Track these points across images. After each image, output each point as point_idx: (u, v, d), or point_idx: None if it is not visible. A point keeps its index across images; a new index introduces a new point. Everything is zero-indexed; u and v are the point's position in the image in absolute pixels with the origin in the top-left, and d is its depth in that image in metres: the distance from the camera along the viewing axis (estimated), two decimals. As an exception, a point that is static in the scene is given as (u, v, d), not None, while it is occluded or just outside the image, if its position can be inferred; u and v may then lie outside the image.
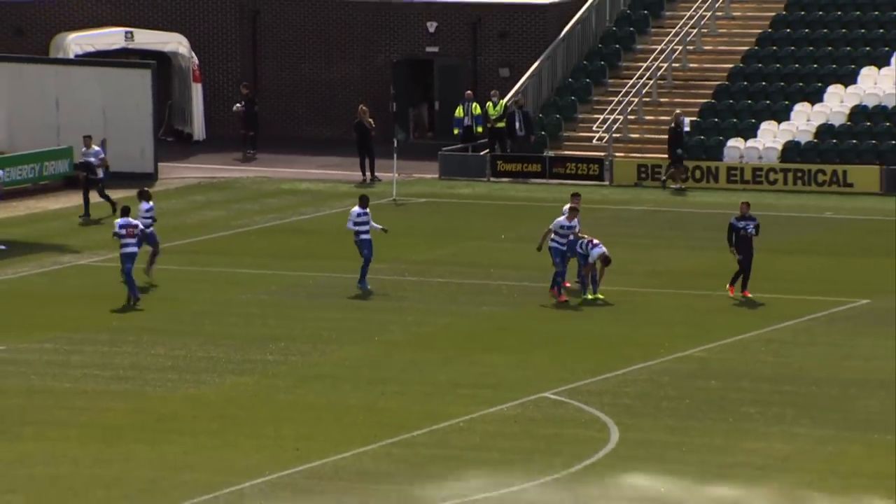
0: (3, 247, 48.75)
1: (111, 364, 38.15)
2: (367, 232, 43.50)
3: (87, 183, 52.84)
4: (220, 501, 30.01)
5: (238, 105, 62.22)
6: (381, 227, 43.96)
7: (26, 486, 31.02)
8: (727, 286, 42.35)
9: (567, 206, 42.93)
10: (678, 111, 56.57)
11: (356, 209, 43.79)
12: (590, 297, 42.32)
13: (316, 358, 38.56)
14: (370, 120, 57.89)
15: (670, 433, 33.22)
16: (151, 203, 44.90)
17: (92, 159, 53.01)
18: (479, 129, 59.31)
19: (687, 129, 57.48)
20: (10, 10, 64.95)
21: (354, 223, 43.64)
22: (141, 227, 43.35)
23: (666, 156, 56.55)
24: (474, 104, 59.73)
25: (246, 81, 63.35)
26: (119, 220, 43.12)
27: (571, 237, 42.18)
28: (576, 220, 42.58)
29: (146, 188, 46.71)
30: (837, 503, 29.68)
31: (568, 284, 42.51)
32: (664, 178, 55.82)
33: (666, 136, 56.74)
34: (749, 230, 42.33)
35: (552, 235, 42.23)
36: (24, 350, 39.30)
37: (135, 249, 42.81)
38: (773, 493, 29.94)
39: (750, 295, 42.20)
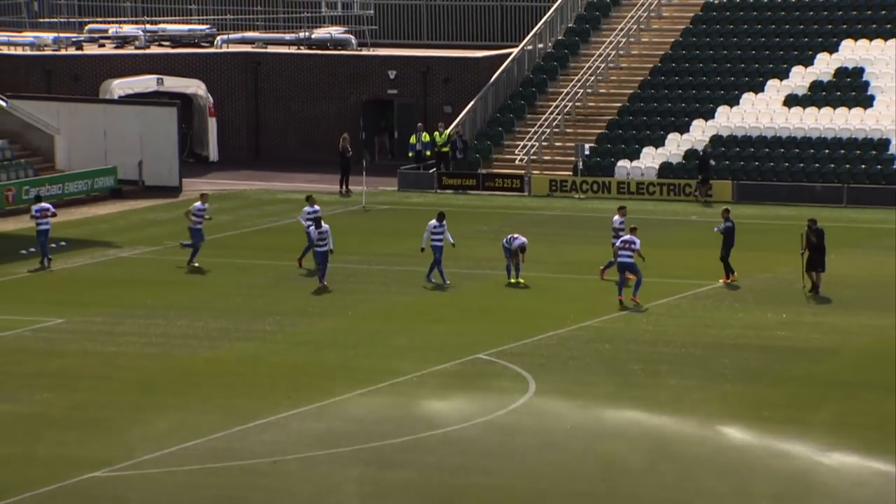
0: (63, 243, 48.52)
1: (146, 333, 38.00)
2: (440, 240, 42.05)
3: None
4: (231, 437, 29.93)
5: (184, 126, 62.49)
6: (452, 241, 42.27)
7: (81, 426, 30.89)
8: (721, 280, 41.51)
9: (617, 217, 42.62)
10: (707, 144, 55.63)
11: (433, 222, 42.33)
12: (513, 280, 42.31)
13: (303, 328, 38.47)
14: (349, 147, 57.81)
15: (574, 385, 33.24)
16: (206, 204, 44.66)
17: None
18: (429, 153, 59.23)
19: (587, 153, 57.50)
20: (69, 61, 64.72)
21: (431, 234, 42.13)
22: (52, 209, 44.75)
23: (570, 174, 56.58)
24: (424, 133, 59.67)
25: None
26: (35, 206, 44.86)
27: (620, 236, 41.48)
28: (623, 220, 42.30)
29: (205, 192, 46.37)
30: (697, 431, 29.77)
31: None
32: (695, 192, 54.49)
33: (571, 160, 56.75)
34: (720, 229, 41.80)
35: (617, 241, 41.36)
36: (78, 322, 39.13)
37: (47, 226, 44.32)
38: (652, 423, 29.99)
39: (731, 279, 41.52)
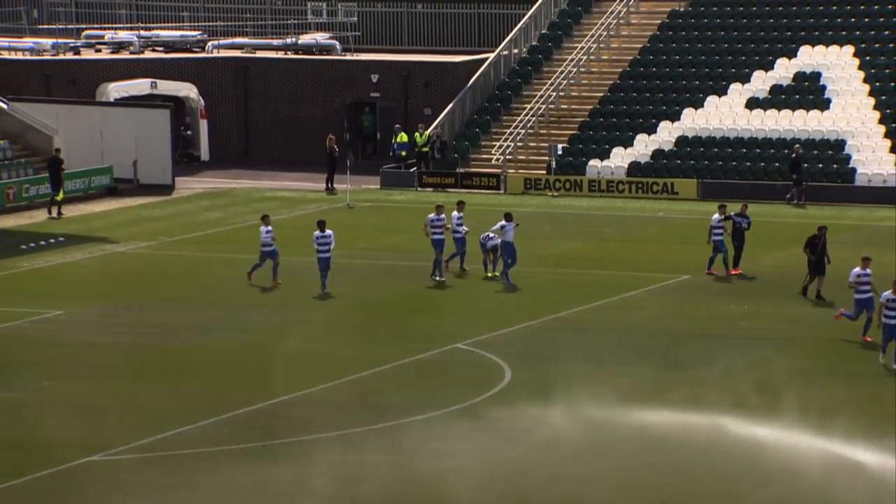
0: (61, 238, 48.40)
1: (141, 323, 37.92)
2: (461, 231, 41.46)
3: None
4: (222, 423, 29.88)
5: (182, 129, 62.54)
6: (466, 230, 41.54)
7: (78, 413, 30.82)
8: (728, 271, 41.21)
9: (716, 215, 41.98)
10: (798, 146, 54.16)
11: (455, 213, 41.73)
12: (489, 274, 42.29)
13: (290, 319, 38.42)
14: (335, 147, 57.78)
15: (549, 373, 33.26)
16: (270, 227, 41.10)
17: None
18: (404, 153, 59.13)
19: (560, 153, 57.51)
20: (67, 65, 64.52)
21: (455, 224, 41.49)
22: None
23: (544, 173, 56.60)
24: (402, 134, 59.61)
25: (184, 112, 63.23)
26: None
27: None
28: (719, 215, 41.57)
29: (266, 214, 42.07)
30: (665, 417, 29.82)
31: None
32: (789, 196, 53.14)
33: (545, 160, 56.77)
34: (743, 224, 41.79)
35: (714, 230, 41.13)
36: (76, 314, 39.03)
37: None
38: (621, 407, 30.07)
39: (740, 271, 41.40)
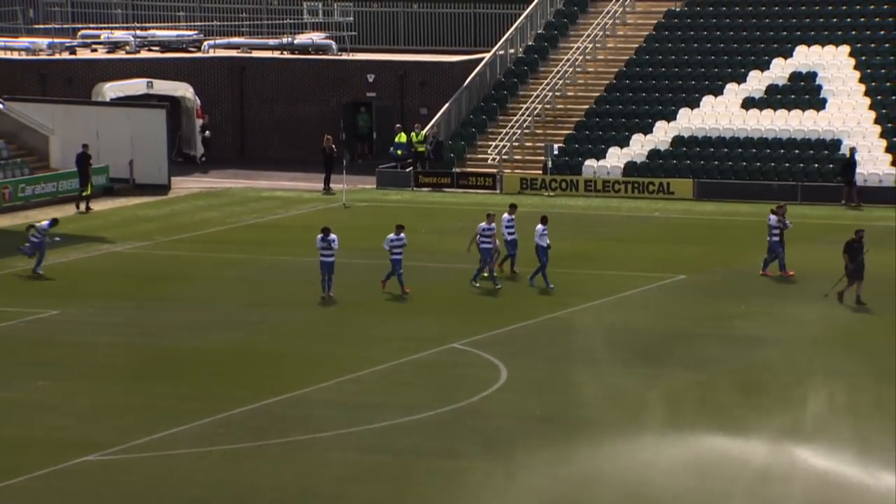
0: (57, 239, 48.36)
1: (137, 323, 37.90)
2: (513, 233, 41.07)
3: None
4: (217, 423, 29.87)
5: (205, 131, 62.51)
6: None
7: (77, 413, 30.80)
8: (761, 272, 40.96)
9: (773, 217, 41.31)
10: (852, 147, 53.31)
11: (506, 215, 41.31)
12: (485, 275, 42.25)
13: (287, 319, 38.41)
14: (332, 146, 57.79)
15: (544, 372, 33.25)
16: (334, 235, 39.39)
17: None
18: (399, 153, 59.07)
19: (556, 153, 57.52)
20: (63, 65, 64.50)
21: (505, 227, 41.08)
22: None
23: (540, 173, 56.58)
24: (401, 134, 59.59)
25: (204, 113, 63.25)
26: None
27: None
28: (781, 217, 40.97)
29: (326, 227, 40.23)
30: (661, 416, 29.83)
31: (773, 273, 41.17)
32: (844, 200, 52.36)
33: (541, 160, 56.77)
34: (788, 225, 41.28)
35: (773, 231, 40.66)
36: (72, 314, 39.00)
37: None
38: (617, 414, 30.03)
39: (792, 273, 41.05)
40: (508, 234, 41.63)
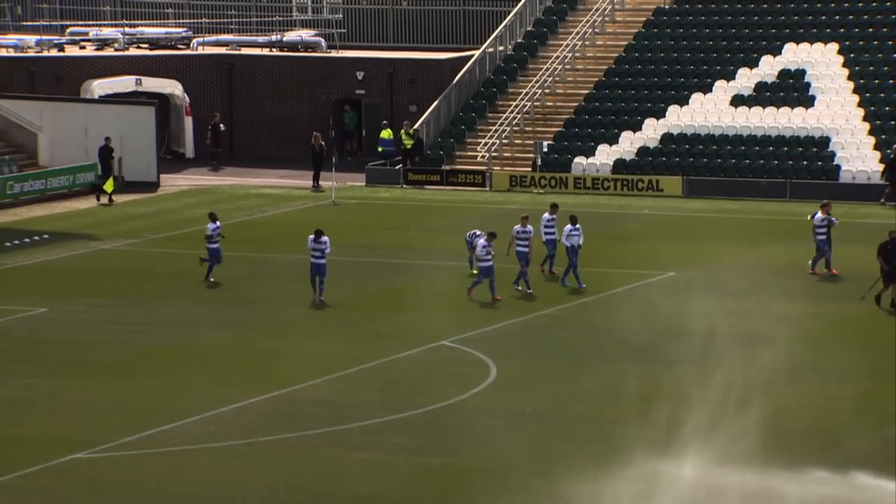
0: (46, 236, 48.34)
1: (126, 321, 37.89)
2: (553, 233, 40.46)
3: None
4: (207, 420, 29.87)
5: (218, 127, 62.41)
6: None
7: (65, 410, 30.79)
8: (809, 271, 40.55)
9: (819, 214, 40.90)
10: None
11: (546, 215, 40.75)
12: (475, 271, 42.19)
13: (276, 316, 38.41)
14: (322, 143, 57.82)
15: (534, 369, 33.30)
16: (326, 238, 39.11)
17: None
18: (380, 150, 59.03)
19: (545, 150, 57.56)
20: (52, 62, 64.46)
21: (545, 226, 40.44)
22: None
23: (530, 170, 56.58)
24: (387, 130, 59.63)
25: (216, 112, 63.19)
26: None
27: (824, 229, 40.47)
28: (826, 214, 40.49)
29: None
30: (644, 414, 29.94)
31: (821, 272, 40.52)
32: (883, 200, 52.03)
33: (530, 157, 56.79)
34: (834, 222, 40.95)
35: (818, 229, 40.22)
36: (61, 311, 38.98)
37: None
38: (608, 410, 30.08)
39: (836, 272, 40.74)
40: (548, 233, 40.93)
